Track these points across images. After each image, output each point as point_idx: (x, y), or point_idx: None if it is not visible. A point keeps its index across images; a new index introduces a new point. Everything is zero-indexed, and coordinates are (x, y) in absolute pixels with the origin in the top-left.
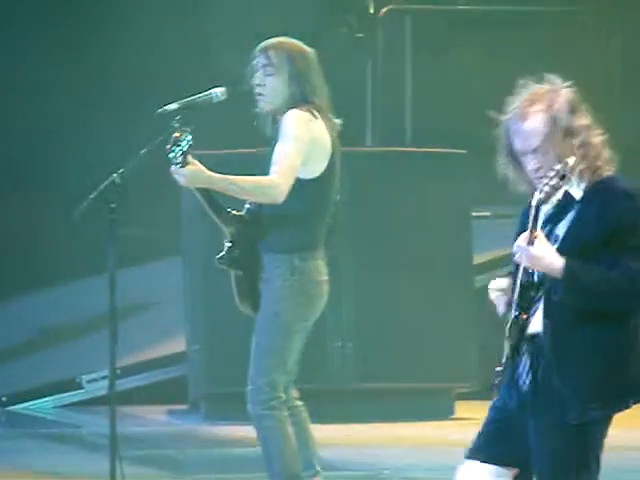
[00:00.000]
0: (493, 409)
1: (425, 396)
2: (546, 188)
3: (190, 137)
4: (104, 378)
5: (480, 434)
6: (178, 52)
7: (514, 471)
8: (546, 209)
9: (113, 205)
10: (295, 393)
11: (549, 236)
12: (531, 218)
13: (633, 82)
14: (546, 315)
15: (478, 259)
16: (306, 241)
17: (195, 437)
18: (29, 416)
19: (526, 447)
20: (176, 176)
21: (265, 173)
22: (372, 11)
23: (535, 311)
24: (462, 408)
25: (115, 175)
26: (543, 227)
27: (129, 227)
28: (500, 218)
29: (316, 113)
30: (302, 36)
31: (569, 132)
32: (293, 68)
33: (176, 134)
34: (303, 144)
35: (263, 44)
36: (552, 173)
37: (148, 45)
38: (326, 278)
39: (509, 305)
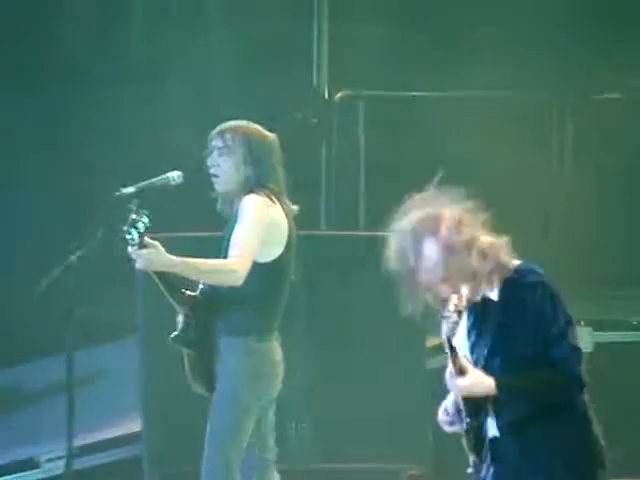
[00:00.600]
0: None
1: (378, 477)
2: (449, 325)
3: (147, 219)
4: (61, 458)
5: None
6: (135, 135)
7: None
8: (465, 318)
9: (70, 286)
10: (277, 477)
11: (478, 343)
12: (448, 349)
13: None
14: (498, 420)
15: (432, 341)
16: (262, 323)
17: None
18: None
19: None
20: (133, 257)
21: (218, 256)
22: (327, 97)
23: (485, 415)
24: None
25: (73, 257)
26: (469, 337)
27: (86, 307)
28: None
29: (273, 198)
30: (257, 121)
31: (466, 247)
32: (248, 151)
33: (133, 216)
34: (261, 228)
35: (220, 127)
36: (450, 310)
37: (106, 132)
38: (281, 358)
39: (459, 414)
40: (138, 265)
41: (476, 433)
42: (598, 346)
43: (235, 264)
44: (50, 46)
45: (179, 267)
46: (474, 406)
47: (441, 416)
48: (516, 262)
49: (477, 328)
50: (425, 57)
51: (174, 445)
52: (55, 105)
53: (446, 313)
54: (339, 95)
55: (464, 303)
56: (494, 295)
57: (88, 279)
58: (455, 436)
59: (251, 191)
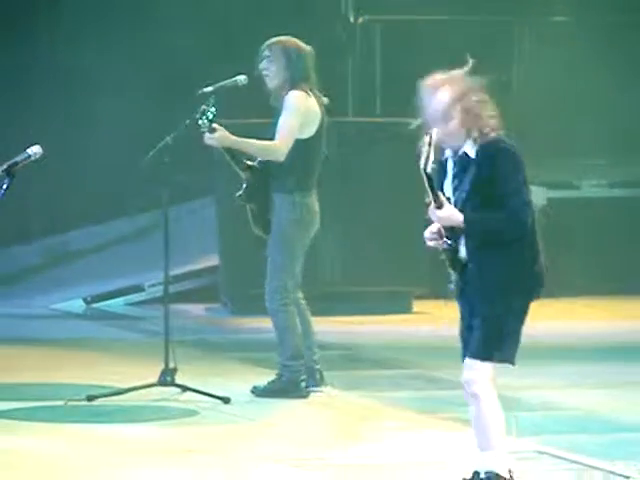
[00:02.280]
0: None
1: (389, 296)
2: (422, 156)
3: (214, 109)
4: (160, 284)
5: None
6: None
7: None
8: (451, 166)
9: (166, 159)
10: (300, 294)
11: (459, 188)
12: (428, 187)
13: None
14: (466, 245)
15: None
16: (303, 183)
17: (226, 326)
18: (107, 311)
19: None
20: (208, 140)
21: (272, 137)
22: (352, 20)
23: (461, 241)
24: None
25: (168, 138)
26: (453, 181)
27: (177, 174)
28: None
29: (309, 92)
30: (301, 37)
31: (465, 109)
32: (286, 59)
33: (203, 107)
34: (300, 115)
35: (268, 41)
36: (424, 142)
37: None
38: (318, 210)
39: (441, 238)
40: (210, 142)
41: (453, 254)
42: (550, 200)
43: (278, 145)
44: None
45: (239, 144)
46: (451, 231)
47: (427, 234)
48: (496, 133)
49: (459, 177)
50: None
51: (242, 275)
52: None
53: (419, 146)
54: (361, 19)
55: (434, 138)
56: (472, 153)
57: (179, 154)
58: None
59: (293, 88)
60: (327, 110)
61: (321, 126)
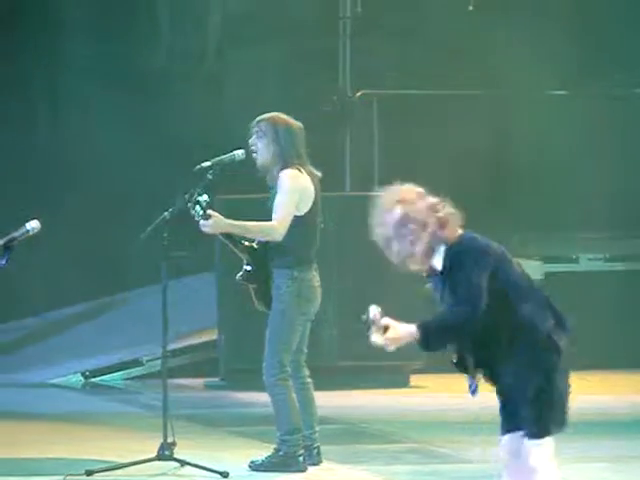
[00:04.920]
0: None
1: (387, 371)
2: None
3: (205, 196)
4: (158, 358)
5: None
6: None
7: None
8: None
9: (165, 235)
10: (306, 371)
11: (443, 298)
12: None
13: None
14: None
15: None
16: (302, 257)
17: (224, 400)
18: (105, 386)
19: None
20: (203, 228)
21: (269, 214)
22: (349, 94)
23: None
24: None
25: (166, 213)
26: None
27: (176, 250)
28: None
29: (301, 169)
30: (299, 112)
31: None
32: (274, 135)
33: (195, 195)
34: (295, 194)
35: (258, 117)
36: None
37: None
38: (319, 284)
39: None
40: (206, 230)
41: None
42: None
43: (276, 225)
44: None
45: (235, 228)
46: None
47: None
48: (458, 237)
49: (438, 290)
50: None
51: (241, 349)
52: None
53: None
54: (358, 93)
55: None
56: (439, 264)
57: (177, 229)
58: None
59: (284, 166)
60: (325, 184)
61: (316, 200)
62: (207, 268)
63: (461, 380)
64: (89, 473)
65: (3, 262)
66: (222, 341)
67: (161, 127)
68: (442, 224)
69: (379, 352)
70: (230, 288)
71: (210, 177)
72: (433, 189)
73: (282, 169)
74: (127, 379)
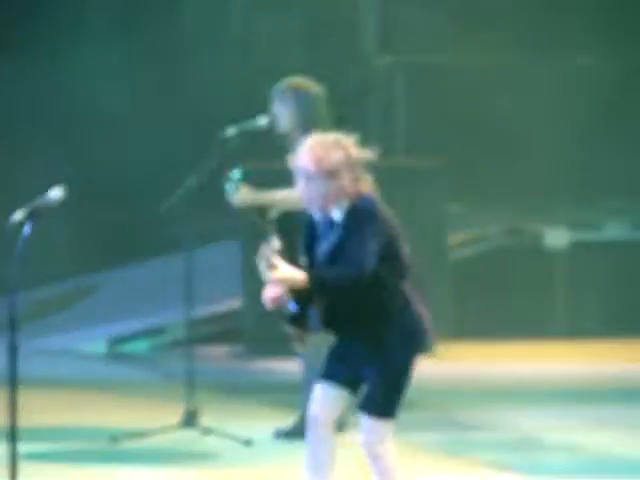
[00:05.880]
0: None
1: None
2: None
3: (238, 174)
4: (182, 326)
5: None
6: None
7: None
8: (321, 227)
9: (189, 200)
10: None
11: (322, 248)
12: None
13: None
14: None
15: (453, 239)
16: None
17: (248, 368)
18: (129, 353)
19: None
20: (234, 202)
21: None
22: (375, 61)
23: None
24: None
25: (190, 180)
26: (320, 239)
27: (201, 216)
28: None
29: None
30: (327, 75)
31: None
32: (297, 101)
33: (227, 173)
34: None
35: (279, 84)
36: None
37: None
38: None
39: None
40: (235, 203)
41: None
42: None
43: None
44: None
45: (261, 200)
46: (298, 295)
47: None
48: (358, 198)
49: (325, 237)
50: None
51: (266, 317)
52: None
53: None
54: (384, 60)
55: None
56: (338, 216)
57: (202, 197)
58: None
59: (305, 132)
60: None
61: None
62: (232, 236)
63: (488, 348)
64: (114, 440)
65: (28, 230)
66: (246, 309)
67: (185, 93)
68: (356, 179)
69: None
70: (254, 256)
71: (233, 143)
72: (456, 156)
73: (303, 134)
74: (152, 347)
